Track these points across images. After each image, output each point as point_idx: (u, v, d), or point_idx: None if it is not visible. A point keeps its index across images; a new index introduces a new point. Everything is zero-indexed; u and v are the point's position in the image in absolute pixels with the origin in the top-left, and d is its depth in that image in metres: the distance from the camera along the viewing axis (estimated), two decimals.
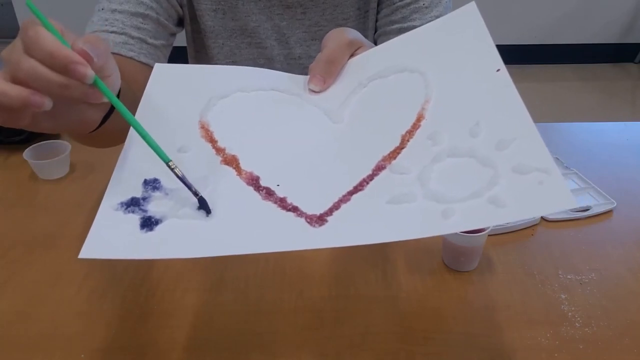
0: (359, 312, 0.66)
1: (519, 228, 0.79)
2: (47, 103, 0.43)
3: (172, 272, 0.72)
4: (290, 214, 0.46)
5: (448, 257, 0.73)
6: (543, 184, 0.41)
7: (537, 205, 0.41)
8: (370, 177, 0.48)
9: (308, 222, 0.45)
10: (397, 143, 0.50)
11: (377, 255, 0.75)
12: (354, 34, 0.59)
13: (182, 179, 0.46)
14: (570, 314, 0.66)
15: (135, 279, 0.71)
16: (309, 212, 0.46)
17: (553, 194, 0.40)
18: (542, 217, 0.81)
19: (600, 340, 0.62)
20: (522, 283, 0.70)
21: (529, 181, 0.42)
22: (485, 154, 0.45)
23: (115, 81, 0.48)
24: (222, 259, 0.74)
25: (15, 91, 0.42)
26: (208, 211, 0.46)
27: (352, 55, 0.59)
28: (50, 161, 0.91)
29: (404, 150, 0.50)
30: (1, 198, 0.89)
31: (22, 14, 3.05)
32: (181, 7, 0.83)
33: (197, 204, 0.46)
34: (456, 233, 0.68)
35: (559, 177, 0.40)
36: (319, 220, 0.45)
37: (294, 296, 0.68)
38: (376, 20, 0.87)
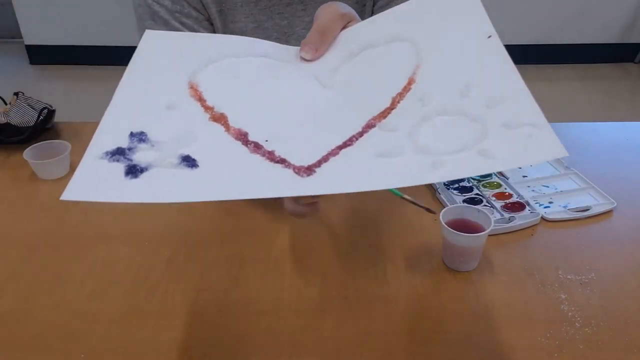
0: (359, 312, 0.66)
1: (519, 228, 0.79)
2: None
3: (172, 272, 0.72)
4: (278, 165, 0.46)
5: (448, 257, 0.73)
6: (532, 137, 0.42)
7: (527, 155, 0.42)
8: (360, 134, 0.49)
9: (296, 173, 0.45)
10: (387, 104, 0.51)
11: (377, 255, 0.75)
12: (346, 7, 0.60)
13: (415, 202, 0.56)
14: (570, 314, 0.66)
15: (135, 279, 0.71)
16: (297, 164, 0.46)
17: (543, 145, 0.41)
18: (542, 217, 0.81)
19: (600, 340, 0.62)
20: (522, 283, 0.70)
21: (518, 134, 0.42)
22: (475, 112, 0.46)
23: None
24: (223, 258, 0.74)
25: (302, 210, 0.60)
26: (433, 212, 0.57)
27: (344, 28, 0.59)
28: (50, 161, 0.91)
29: (394, 111, 0.50)
30: (1, 198, 0.89)
31: (22, 14, 3.05)
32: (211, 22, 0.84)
33: (183, 156, 0.47)
34: (456, 233, 0.68)
35: (549, 130, 0.41)
36: (307, 170, 0.45)
37: (294, 296, 0.68)
38: (372, 13, 0.88)
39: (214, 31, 0.85)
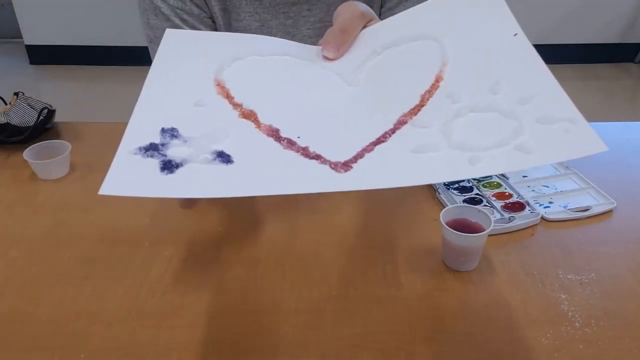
0: (359, 312, 0.66)
1: (519, 228, 0.79)
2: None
3: (172, 272, 0.72)
4: (314, 161, 0.46)
5: (448, 257, 0.73)
6: (570, 132, 0.41)
7: (565, 150, 0.41)
8: (392, 131, 0.48)
9: (333, 168, 0.45)
10: (416, 101, 0.50)
11: (378, 255, 0.75)
12: (365, 7, 0.60)
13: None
14: (570, 314, 0.66)
15: (135, 279, 0.71)
16: (333, 160, 0.46)
17: (581, 139, 0.40)
18: (542, 217, 0.81)
19: (600, 340, 0.62)
20: (522, 283, 0.70)
21: (554, 130, 0.42)
22: (508, 108, 0.46)
23: None
24: (222, 258, 0.74)
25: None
26: None
27: (364, 27, 0.59)
28: (50, 161, 0.91)
29: (424, 108, 0.50)
30: (1, 198, 0.89)
31: (22, 14, 3.05)
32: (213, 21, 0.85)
33: (218, 151, 0.46)
34: (456, 233, 0.68)
35: (586, 125, 0.41)
36: (344, 166, 0.45)
37: (294, 296, 0.68)
38: (380, 14, 0.87)
39: (215, 29, 0.86)
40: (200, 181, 0.44)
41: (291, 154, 0.47)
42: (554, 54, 3.23)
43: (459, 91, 0.49)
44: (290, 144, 0.48)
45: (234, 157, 0.46)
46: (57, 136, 1.05)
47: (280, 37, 0.86)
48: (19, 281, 0.71)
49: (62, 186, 0.92)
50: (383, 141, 0.47)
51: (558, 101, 0.44)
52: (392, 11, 0.84)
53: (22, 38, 3.13)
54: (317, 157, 0.46)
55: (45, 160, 0.91)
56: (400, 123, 0.49)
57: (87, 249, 0.76)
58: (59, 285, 0.70)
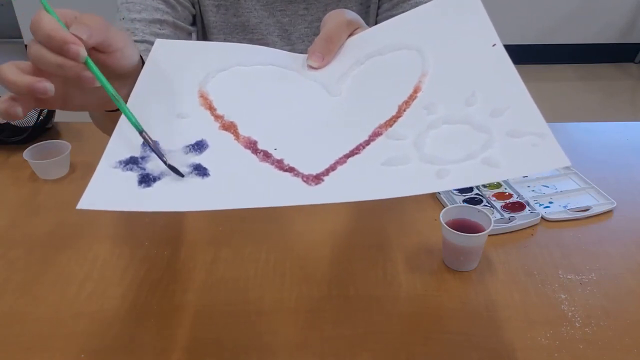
0: (359, 312, 0.66)
1: (519, 228, 0.79)
2: (49, 88, 0.46)
3: (172, 272, 0.72)
4: (287, 174, 0.47)
5: (448, 257, 0.73)
6: (537, 146, 0.42)
7: (531, 164, 0.42)
8: (367, 142, 0.49)
9: (304, 181, 0.46)
10: (393, 112, 0.51)
11: (378, 255, 0.75)
12: (352, 15, 0.60)
13: (154, 149, 0.48)
14: (570, 314, 0.66)
15: (135, 278, 0.71)
16: (306, 172, 0.47)
17: (546, 154, 0.41)
18: (542, 217, 0.81)
19: (600, 340, 0.62)
20: (522, 283, 0.70)
21: (522, 144, 0.43)
22: (480, 121, 0.46)
23: (128, 54, 0.51)
24: (222, 258, 0.74)
25: (22, 80, 0.45)
26: (180, 175, 0.47)
27: (350, 35, 0.60)
28: (50, 161, 0.91)
29: (400, 119, 0.51)
30: (1, 198, 0.89)
31: (22, 14, 3.05)
32: (193, 5, 0.85)
33: (195, 165, 0.47)
34: (456, 233, 0.68)
35: (553, 140, 0.41)
36: (315, 179, 0.46)
37: (294, 296, 0.68)
38: (376, 15, 0.88)
39: (195, 22, 0.86)
40: (176, 195, 0.45)
41: (266, 166, 0.48)
42: (554, 54, 3.23)
43: (436, 102, 0.50)
44: (266, 156, 0.49)
45: (210, 170, 0.47)
46: (57, 136, 1.05)
47: (278, 34, 0.87)
48: (19, 281, 0.71)
49: (62, 186, 0.92)
50: (357, 153, 0.48)
51: (529, 114, 0.44)
52: (388, 12, 0.85)
53: (22, 38, 3.13)
54: (291, 169, 0.47)
55: (45, 160, 0.91)
56: (376, 135, 0.50)
57: (87, 248, 0.76)
58: (59, 285, 0.70)
